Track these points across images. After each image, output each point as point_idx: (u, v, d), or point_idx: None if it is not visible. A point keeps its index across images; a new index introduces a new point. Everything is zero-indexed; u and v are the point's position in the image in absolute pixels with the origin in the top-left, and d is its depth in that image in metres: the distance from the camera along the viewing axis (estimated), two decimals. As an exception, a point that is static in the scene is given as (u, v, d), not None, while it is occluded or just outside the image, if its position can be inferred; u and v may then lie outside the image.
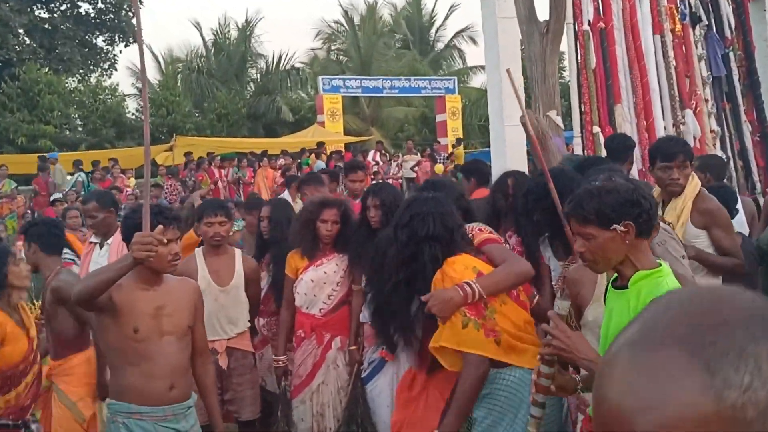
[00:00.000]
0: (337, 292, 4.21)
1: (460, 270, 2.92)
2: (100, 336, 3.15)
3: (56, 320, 3.81)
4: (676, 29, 7.09)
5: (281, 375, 4.37)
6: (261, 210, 4.94)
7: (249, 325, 4.42)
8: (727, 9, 7.58)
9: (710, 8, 7.50)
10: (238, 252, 4.49)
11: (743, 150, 7.39)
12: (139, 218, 2.90)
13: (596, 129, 6.41)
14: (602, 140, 6.09)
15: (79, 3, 29.06)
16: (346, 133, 25.01)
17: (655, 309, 0.68)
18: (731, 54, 7.54)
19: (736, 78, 7.52)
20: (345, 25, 32.68)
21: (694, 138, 6.76)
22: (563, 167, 3.94)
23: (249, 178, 16.57)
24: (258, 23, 32.64)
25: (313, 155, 17.95)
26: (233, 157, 17.66)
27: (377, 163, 18.32)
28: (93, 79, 29.76)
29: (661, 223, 2.94)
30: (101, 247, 4.88)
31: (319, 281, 4.18)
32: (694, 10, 7.32)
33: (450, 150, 19.75)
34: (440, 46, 33.88)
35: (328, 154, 18.33)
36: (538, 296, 3.30)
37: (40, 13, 28.39)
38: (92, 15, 29.57)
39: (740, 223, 4.45)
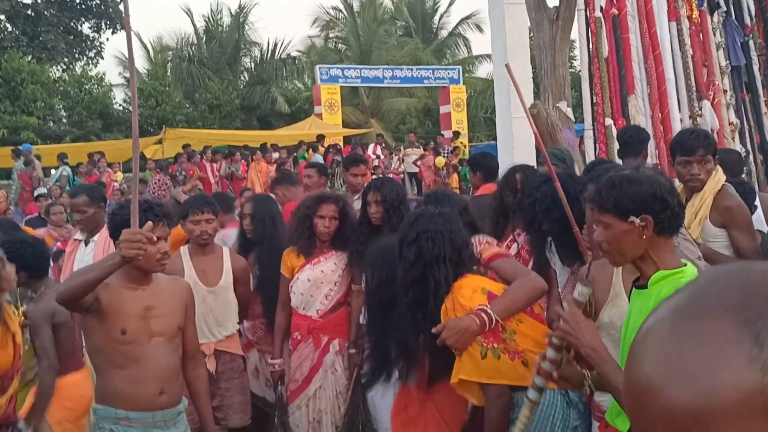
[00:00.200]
0: (335, 292, 4.20)
1: (468, 295, 2.90)
2: (86, 338, 3.14)
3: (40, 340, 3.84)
4: (693, 16, 7.07)
5: (277, 379, 4.37)
6: (243, 207, 4.89)
7: (238, 327, 4.41)
8: (746, -6, 7.57)
9: (729, -6, 7.48)
10: (226, 250, 4.46)
11: (763, 143, 7.37)
12: (127, 214, 2.89)
13: (608, 121, 6.40)
14: (615, 133, 6.08)
15: (64, -12, 29.09)
16: (345, 125, 25.02)
17: (705, 279, 0.67)
18: (751, 42, 7.52)
19: (756, 67, 7.49)
20: (344, 11, 32.69)
21: (712, 131, 6.74)
22: (568, 171, 3.97)
23: (242, 172, 16.57)
24: (252, 9, 32.67)
25: (310, 149, 17.95)
26: (226, 151, 17.66)
27: (378, 157, 18.32)
28: (78, 68, 29.75)
29: None
30: (86, 244, 4.87)
31: (316, 281, 4.18)
32: (712, -5, 7.31)
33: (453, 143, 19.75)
34: (444, 33, 33.87)
35: (326, 147, 18.31)
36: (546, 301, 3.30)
37: (22, -1, 28.43)
38: (77, 1, 29.55)
39: (759, 221, 4.43)
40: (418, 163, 17.95)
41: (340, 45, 33.17)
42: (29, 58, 26.04)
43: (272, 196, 5.63)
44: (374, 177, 5.66)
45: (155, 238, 2.91)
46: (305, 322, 4.21)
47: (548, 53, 5.94)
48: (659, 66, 6.69)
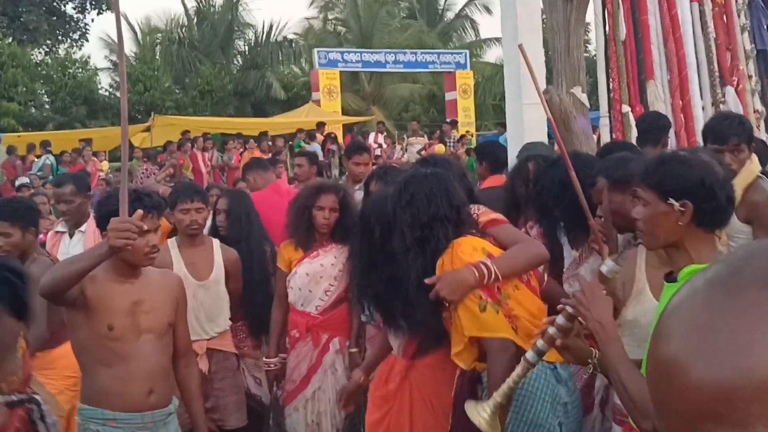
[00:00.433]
0: (334, 287, 4.20)
1: (469, 252, 2.87)
2: (72, 334, 3.15)
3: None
4: (717, -4, 7.05)
5: (272, 379, 4.38)
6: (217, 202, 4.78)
7: (230, 323, 4.39)
8: (773, -26, 7.55)
9: (755, -27, 7.47)
10: (216, 242, 4.45)
11: (790, 133, 7.37)
12: (115, 204, 2.89)
13: (626, 108, 6.38)
14: (632, 121, 6.07)
15: (46, -35, 29.07)
16: (345, 112, 24.99)
17: (744, 252, 0.66)
18: (778, 25, 7.51)
19: (782, 52, 7.49)
20: (343, -9, 32.60)
21: (735, 119, 6.74)
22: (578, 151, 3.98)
23: (236, 161, 16.56)
24: (246, -11, 32.55)
25: (307, 137, 17.92)
26: (219, 139, 17.64)
27: (380, 146, 18.30)
28: (62, 51, 29.74)
29: None
30: (71, 236, 4.88)
31: (315, 275, 4.17)
32: (736, -25, 7.29)
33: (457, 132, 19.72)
34: (450, 15, 33.79)
35: (324, 135, 18.30)
36: (548, 277, 3.30)
37: (2, -23, 28.39)
38: (61, -22, 29.58)
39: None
40: (423, 152, 17.93)
41: (339, 27, 33.08)
42: (9, 40, 26.00)
43: (247, 192, 5.50)
44: (375, 166, 5.64)
45: (145, 227, 2.91)
46: (303, 319, 4.20)
47: (562, 36, 5.91)
48: (680, 50, 6.67)
